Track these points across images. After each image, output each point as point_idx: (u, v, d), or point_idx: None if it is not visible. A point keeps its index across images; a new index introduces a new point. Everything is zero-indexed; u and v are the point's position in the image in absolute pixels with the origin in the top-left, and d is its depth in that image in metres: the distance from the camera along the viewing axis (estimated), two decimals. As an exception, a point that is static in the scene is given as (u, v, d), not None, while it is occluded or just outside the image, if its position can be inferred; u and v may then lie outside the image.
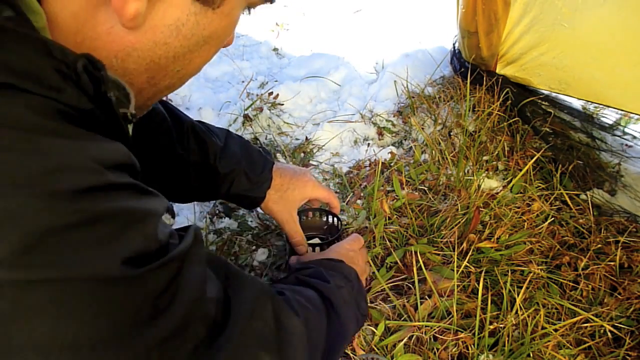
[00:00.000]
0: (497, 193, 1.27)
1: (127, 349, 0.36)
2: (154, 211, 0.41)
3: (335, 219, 1.05)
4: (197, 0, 0.43)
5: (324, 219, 1.07)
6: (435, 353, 0.88)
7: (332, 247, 0.88)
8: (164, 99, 0.80)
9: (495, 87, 1.45)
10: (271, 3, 0.53)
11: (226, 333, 0.45)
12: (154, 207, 0.41)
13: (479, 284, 0.94)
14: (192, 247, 0.44)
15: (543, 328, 0.91)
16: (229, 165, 0.84)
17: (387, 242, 1.10)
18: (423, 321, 0.92)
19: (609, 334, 0.96)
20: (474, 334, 0.89)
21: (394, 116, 1.57)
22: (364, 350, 0.88)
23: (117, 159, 0.39)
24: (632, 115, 1.49)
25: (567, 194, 1.25)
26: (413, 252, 1.02)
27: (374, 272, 1.06)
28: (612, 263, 1.09)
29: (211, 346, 0.43)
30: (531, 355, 0.89)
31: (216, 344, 0.44)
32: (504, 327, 0.91)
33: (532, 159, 1.27)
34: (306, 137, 1.51)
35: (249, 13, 0.52)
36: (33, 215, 0.33)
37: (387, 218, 1.16)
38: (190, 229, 0.46)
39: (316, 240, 1.05)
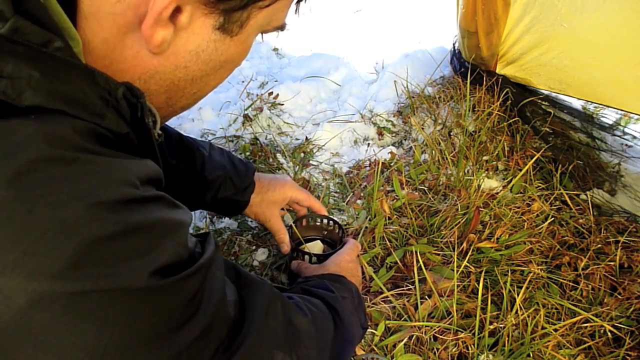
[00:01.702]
0: (497, 193, 1.27)
1: (160, 353, 0.39)
2: (184, 221, 0.44)
3: (336, 225, 1.05)
4: (218, 29, 0.46)
5: (325, 222, 1.07)
6: (435, 353, 0.88)
7: (332, 259, 0.89)
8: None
9: (495, 87, 1.45)
10: (282, 30, 0.57)
11: (243, 332, 0.48)
12: (183, 217, 0.44)
13: (479, 284, 0.94)
14: (214, 253, 0.47)
15: (543, 328, 0.92)
16: (215, 172, 0.87)
17: (387, 242, 1.10)
18: (423, 321, 0.92)
19: (609, 334, 0.97)
20: (474, 334, 0.89)
21: (394, 116, 1.57)
22: (364, 350, 0.88)
23: (150, 174, 0.42)
24: (632, 115, 1.49)
25: (567, 194, 1.25)
26: (413, 252, 1.02)
27: (375, 272, 1.06)
28: (612, 263, 1.09)
29: (230, 345, 0.46)
30: (531, 355, 0.89)
31: (235, 343, 0.47)
32: (504, 327, 0.91)
33: (532, 159, 1.27)
34: (306, 137, 1.51)
35: (262, 39, 0.57)
36: (84, 226, 0.35)
37: (387, 218, 1.16)
38: (209, 236, 0.49)
39: (318, 243, 1.05)
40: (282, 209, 1.02)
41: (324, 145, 1.48)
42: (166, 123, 0.82)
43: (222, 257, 0.50)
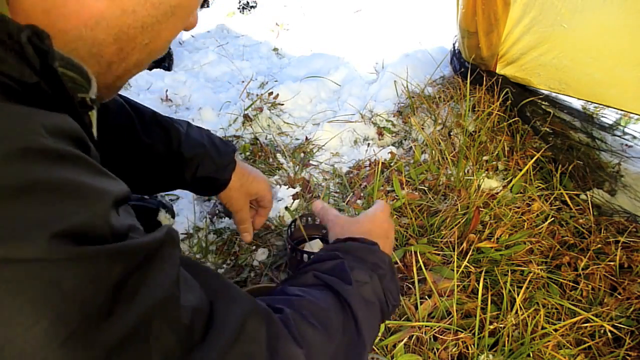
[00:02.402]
0: (497, 193, 1.27)
1: (73, 353, 0.30)
2: (108, 192, 0.36)
3: None
4: None
5: None
6: (435, 353, 0.88)
7: (366, 214, 0.76)
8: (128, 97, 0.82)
9: (495, 87, 1.45)
10: None
11: (203, 348, 0.39)
12: (109, 188, 0.36)
13: (479, 284, 0.94)
14: (162, 245, 0.39)
15: (543, 328, 0.92)
16: (194, 150, 0.84)
17: (387, 242, 1.10)
18: (423, 321, 0.92)
19: (609, 334, 0.97)
20: (474, 334, 0.89)
21: (394, 116, 1.57)
22: (364, 350, 0.88)
23: (64, 128, 0.36)
24: (632, 115, 1.49)
25: (567, 194, 1.25)
26: (413, 252, 1.02)
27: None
28: (612, 263, 1.09)
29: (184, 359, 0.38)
30: (531, 355, 0.89)
31: (190, 358, 0.38)
32: (504, 327, 0.91)
33: (532, 159, 1.27)
34: (306, 137, 1.51)
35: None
36: None
37: (387, 218, 1.16)
38: (163, 227, 0.41)
39: (318, 242, 1.05)
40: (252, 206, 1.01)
41: (324, 145, 1.48)
42: (139, 102, 0.80)
43: (180, 255, 0.42)
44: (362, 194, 1.27)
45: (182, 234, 1.13)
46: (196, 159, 0.85)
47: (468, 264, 1.03)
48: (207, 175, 0.87)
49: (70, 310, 0.30)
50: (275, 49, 2.18)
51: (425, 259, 1.06)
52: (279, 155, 1.41)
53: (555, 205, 1.25)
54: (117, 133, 0.77)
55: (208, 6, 2.51)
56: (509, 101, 1.46)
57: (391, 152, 1.42)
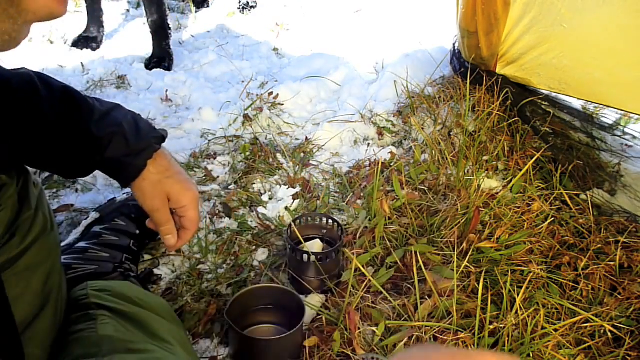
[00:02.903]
0: (497, 193, 1.27)
1: None
2: None
3: (335, 224, 1.05)
4: None
5: (324, 221, 1.07)
6: (435, 353, 0.88)
7: None
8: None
9: (495, 87, 1.45)
10: None
11: None
12: None
13: (479, 284, 0.94)
14: None
15: (543, 328, 0.91)
16: (106, 128, 0.73)
17: (387, 242, 1.10)
18: (423, 321, 0.92)
19: (609, 334, 0.96)
20: (474, 334, 0.89)
21: (394, 116, 1.57)
22: (364, 350, 0.88)
23: None
24: (632, 115, 1.49)
25: (567, 194, 1.25)
26: (413, 252, 1.02)
27: (375, 272, 1.06)
28: (612, 263, 1.09)
29: None
30: (531, 355, 0.89)
31: None
32: (504, 327, 0.91)
33: (532, 159, 1.27)
34: (306, 137, 1.51)
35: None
36: None
37: (387, 218, 1.16)
38: None
39: (318, 242, 1.05)
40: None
41: (324, 145, 1.48)
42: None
43: None
44: (362, 194, 1.27)
45: (182, 234, 1.13)
46: (107, 138, 0.74)
47: (468, 264, 1.03)
48: (116, 158, 0.75)
49: None
50: (275, 49, 2.18)
51: (425, 259, 1.06)
52: (279, 155, 1.41)
53: (555, 205, 1.25)
54: (18, 106, 0.69)
55: (208, 6, 2.51)
56: (509, 101, 1.46)
57: (391, 152, 1.42)
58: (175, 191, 0.79)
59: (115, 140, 0.73)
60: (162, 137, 0.79)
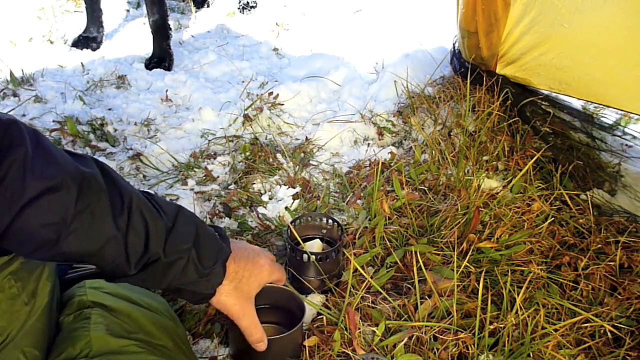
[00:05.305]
0: (497, 193, 1.27)
1: None
2: None
3: (335, 224, 1.05)
4: None
5: (324, 221, 1.07)
6: (435, 353, 0.88)
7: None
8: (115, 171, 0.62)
9: (495, 87, 1.45)
10: None
11: None
12: None
13: (479, 284, 0.94)
14: None
15: (543, 328, 0.91)
16: (177, 253, 0.64)
17: (387, 242, 1.10)
18: (423, 321, 0.92)
19: (609, 334, 0.96)
20: (474, 334, 0.89)
21: (394, 116, 1.57)
22: (364, 350, 0.88)
23: None
24: (632, 115, 1.49)
25: (567, 194, 1.25)
26: (413, 252, 1.02)
27: (375, 272, 1.06)
28: (612, 263, 1.09)
29: None
30: (531, 355, 0.89)
31: None
32: (504, 327, 0.90)
33: (532, 159, 1.27)
34: (306, 137, 1.51)
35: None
36: None
37: (387, 218, 1.16)
38: None
39: (317, 242, 1.05)
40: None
41: (324, 145, 1.48)
42: (127, 182, 0.62)
43: None
44: (362, 194, 1.27)
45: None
46: (177, 264, 0.65)
47: (468, 264, 1.03)
48: (183, 287, 0.68)
49: None
50: (275, 49, 2.18)
51: (425, 259, 1.06)
52: (279, 155, 1.41)
53: (555, 205, 1.25)
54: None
55: (208, 6, 2.51)
56: (509, 101, 1.46)
57: (391, 152, 1.42)
58: (254, 283, 0.76)
59: (184, 268, 0.65)
60: (229, 253, 0.72)
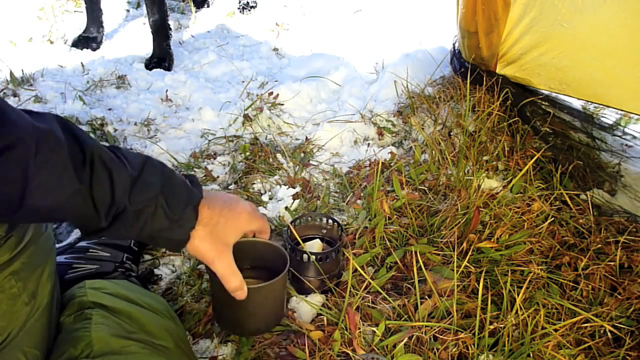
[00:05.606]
0: (497, 193, 1.27)
1: None
2: None
3: (335, 224, 1.05)
4: None
5: (324, 221, 1.07)
6: (435, 353, 0.88)
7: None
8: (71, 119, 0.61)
9: (495, 87, 1.45)
10: None
11: None
12: None
13: (479, 284, 0.94)
14: None
15: (543, 328, 0.91)
16: (143, 201, 0.64)
17: (387, 242, 1.10)
18: (423, 321, 0.92)
19: (609, 334, 0.96)
20: (474, 334, 0.89)
21: (394, 116, 1.57)
22: (364, 350, 0.88)
23: None
24: (632, 115, 1.49)
25: (567, 194, 1.25)
26: (413, 252, 1.02)
27: (375, 272, 1.06)
28: (612, 263, 1.09)
29: None
30: (531, 355, 0.89)
31: None
32: (504, 327, 0.91)
33: (532, 159, 1.27)
34: (306, 137, 1.51)
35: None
36: None
37: (387, 218, 1.16)
38: None
39: (317, 242, 1.05)
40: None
41: (324, 145, 1.48)
42: (86, 134, 0.61)
43: None
44: (362, 194, 1.27)
45: (182, 234, 1.13)
46: (145, 212, 0.65)
47: (468, 264, 1.03)
48: (155, 234, 0.67)
49: None
50: (275, 49, 2.18)
51: (425, 259, 1.06)
52: (279, 155, 1.41)
53: (555, 205, 1.25)
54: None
55: (208, 6, 2.51)
56: (509, 101, 1.46)
57: (391, 152, 1.42)
58: (231, 229, 0.75)
59: (153, 215, 0.65)
60: (200, 197, 0.71)
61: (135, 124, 1.57)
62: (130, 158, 0.64)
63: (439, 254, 1.08)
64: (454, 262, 1.00)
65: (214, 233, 0.72)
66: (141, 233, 0.65)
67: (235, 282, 0.74)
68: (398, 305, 0.96)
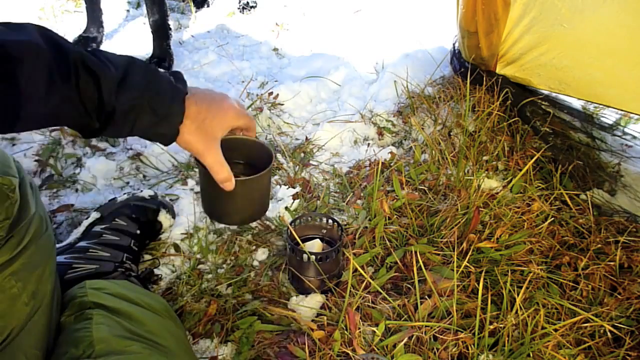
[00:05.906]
0: (497, 193, 1.27)
1: None
2: None
3: (335, 224, 1.05)
4: None
5: (324, 221, 1.07)
6: (435, 353, 0.88)
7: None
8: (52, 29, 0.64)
9: (495, 87, 1.45)
10: None
11: None
12: None
13: (479, 284, 0.94)
14: None
15: (543, 328, 0.92)
16: (129, 100, 0.67)
17: (387, 242, 1.10)
18: (423, 321, 0.92)
19: (609, 334, 0.97)
20: (474, 334, 0.89)
21: (394, 116, 1.57)
22: (364, 350, 0.88)
23: None
24: (632, 115, 1.49)
25: (567, 194, 1.25)
26: (413, 252, 1.02)
27: (375, 272, 1.06)
28: (612, 263, 1.09)
29: None
30: (531, 355, 0.89)
31: None
32: (504, 327, 0.91)
33: (532, 159, 1.27)
34: (306, 137, 1.51)
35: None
36: None
37: (387, 218, 1.16)
38: None
39: (317, 242, 1.05)
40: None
41: (324, 145, 1.48)
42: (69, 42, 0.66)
43: None
44: (362, 194, 1.27)
45: (182, 234, 1.13)
46: (133, 112, 0.69)
47: (468, 264, 1.03)
48: (145, 130, 0.71)
49: None
50: (275, 49, 2.18)
51: (425, 259, 1.06)
52: (279, 155, 1.41)
53: (555, 205, 1.25)
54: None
55: (208, 6, 2.51)
56: (509, 101, 1.46)
57: (391, 152, 1.42)
58: (218, 124, 0.77)
59: (141, 113, 0.68)
60: (185, 93, 0.73)
61: (135, 124, 1.57)
62: (113, 60, 0.67)
63: (439, 254, 1.08)
64: (454, 262, 1.00)
65: (202, 127, 0.75)
66: (133, 130, 0.69)
67: (223, 174, 0.77)
68: (398, 305, 0.96)
